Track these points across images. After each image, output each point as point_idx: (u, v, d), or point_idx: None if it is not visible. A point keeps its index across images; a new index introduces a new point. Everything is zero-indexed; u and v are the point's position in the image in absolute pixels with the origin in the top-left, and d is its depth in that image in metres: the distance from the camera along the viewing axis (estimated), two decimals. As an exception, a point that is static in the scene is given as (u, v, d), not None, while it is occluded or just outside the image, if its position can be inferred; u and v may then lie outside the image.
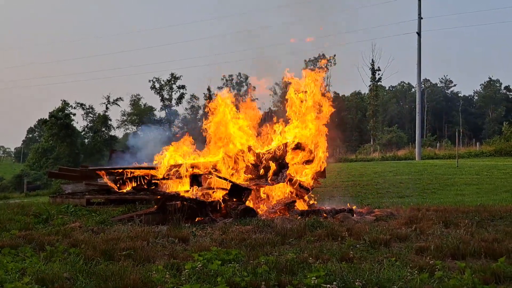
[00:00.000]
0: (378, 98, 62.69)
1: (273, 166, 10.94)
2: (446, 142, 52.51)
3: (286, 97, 12.07)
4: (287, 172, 10.92)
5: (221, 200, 10.27)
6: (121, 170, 12.78)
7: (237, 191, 10.44)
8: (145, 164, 12.59)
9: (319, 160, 11.37)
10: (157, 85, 76.63)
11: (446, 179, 18.50)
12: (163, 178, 11.17)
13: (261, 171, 11.03)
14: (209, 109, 11.98)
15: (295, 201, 10.74)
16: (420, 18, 37.35)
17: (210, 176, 10.67)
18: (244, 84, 71.44)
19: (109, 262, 5.79)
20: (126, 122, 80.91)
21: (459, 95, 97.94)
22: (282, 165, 11.01)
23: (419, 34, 37.06)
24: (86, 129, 57.31)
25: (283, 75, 12.39)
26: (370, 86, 59.24)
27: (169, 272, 5.22)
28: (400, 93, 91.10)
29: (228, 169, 11.05)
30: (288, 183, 10.96)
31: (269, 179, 10.84)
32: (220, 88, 77.70)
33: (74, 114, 52.67)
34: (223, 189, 10.65)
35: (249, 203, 10.36)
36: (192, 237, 7.51)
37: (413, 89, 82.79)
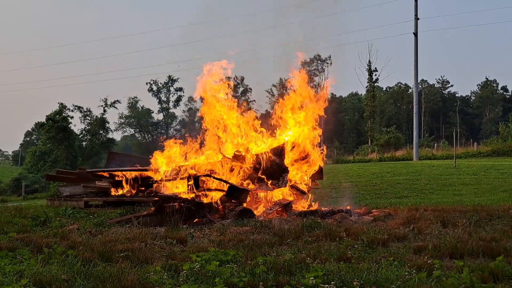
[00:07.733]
0: (376, 99, 62.66)
1: (273, 169, 10.92)
2: (443, 142, 52.57)
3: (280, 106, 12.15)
4: (288, 176, 10.91)
5: (219, 202, 10.26)
6: (119, 172, 12.81)
7: (234, 193, 10.43)
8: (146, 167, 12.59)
9: (314, 160, 11.38)
10: (154, 88, 76.66)
11: (443, 179, 18.52)
12: (161, 180, 11.19)
13: (260, 174, 11.01)
14: (205, 111, 12.02)
15: (292, 202, 10.73)
16: (416, 18, 37.42)
17: (208, 177, 10.67)
18: (240, 85, 71.57)
19: (107, 263, 5.77)
20: (123, 125, 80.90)
21: (456, 95, 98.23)
22: (282, 169, 10.98)
23: (415, 34, 37.12)
24: (83, 132, 57.13)
25: (280, 76, 12.44)
26: (367, 87, 59.25)
27: (167, 273, 5.22)
28: (397, 94, 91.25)
29: (226, 170, 11.04)
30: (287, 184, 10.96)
31: (269, 183, 10.82)
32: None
33: (72, 117, 52.47)
34: (221, 190, 10.64)
35: (247, 204, 10.35)
36: (190, 238, 7.50)
37: (410, 90, 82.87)
